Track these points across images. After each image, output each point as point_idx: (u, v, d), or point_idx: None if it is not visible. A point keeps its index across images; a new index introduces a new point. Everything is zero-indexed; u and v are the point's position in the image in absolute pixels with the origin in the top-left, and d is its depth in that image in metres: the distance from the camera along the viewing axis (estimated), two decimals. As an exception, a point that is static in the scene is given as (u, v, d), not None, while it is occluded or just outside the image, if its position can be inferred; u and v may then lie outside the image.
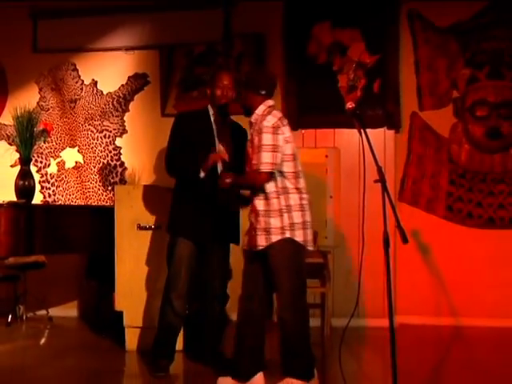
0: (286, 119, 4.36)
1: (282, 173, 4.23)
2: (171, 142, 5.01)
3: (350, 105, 4.24)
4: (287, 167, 4.24)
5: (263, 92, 4.36)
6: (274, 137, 4.16)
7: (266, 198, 4.22)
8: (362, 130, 4.07)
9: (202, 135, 4.82)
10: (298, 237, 4.23)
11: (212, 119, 4.89)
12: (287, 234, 4.19)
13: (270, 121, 4.19)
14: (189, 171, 4.81)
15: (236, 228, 5.05)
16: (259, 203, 4.23)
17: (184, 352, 5.49)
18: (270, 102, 4.39)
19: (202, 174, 4.67)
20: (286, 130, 4.25)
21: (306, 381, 4.21)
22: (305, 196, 4.33)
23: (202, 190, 4.74)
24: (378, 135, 6.69)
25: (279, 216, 4.19)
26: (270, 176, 4.17)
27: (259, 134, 4.16)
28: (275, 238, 4.18)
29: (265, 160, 4.14)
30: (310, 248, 4.40)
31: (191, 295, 5.03)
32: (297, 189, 4.27)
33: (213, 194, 4.69)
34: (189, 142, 4.78)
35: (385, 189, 3.92)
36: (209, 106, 4.95)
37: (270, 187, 4.21)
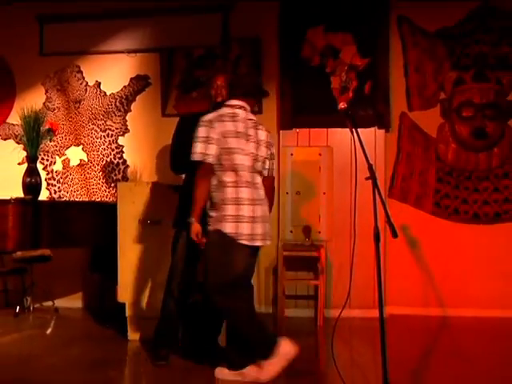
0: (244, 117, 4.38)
1: (221, 165, 4.23)
2: (175, 144, 5.09)
3: (342, 105, 4.23)
4: (226, 160, 4.23)
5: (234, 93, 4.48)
6: (207, 129, 4.20)
7: (211, 191, 4.25)
8: (353, 130, 4.07)
9: None
10: (229, 229, 4.19)
11: None
12: (217, 226, 4.20)
13: (208, 116, 4.26)
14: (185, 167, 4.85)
15: None
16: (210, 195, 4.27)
17: (183, 341, 5.51)
18: (233, 102, 4.43)
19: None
20: (229, 125, 4.27)
21: (236, 370, 4.26)
22: (245, 190, 4.27)
23: None
24: (369, 134, 6.70)
25: (215, 208, 4.23)
26: (206, 166, 4.19)
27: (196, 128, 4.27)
28: (210, 227, 4.24)
29: (197, 150, 4.18)
30: (247, 242, 4.24)
31: (193, 287, 5.01)
32: (235, 182, 4.25)
33: None
34: (190, 143, 4.69)
35: (375, 186, 3.92)
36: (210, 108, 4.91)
37: (213, 180, 4.24)
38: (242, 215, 4.22)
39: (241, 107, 4.41)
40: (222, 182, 4.24)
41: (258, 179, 4.43)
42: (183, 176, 5.15)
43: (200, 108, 7.05)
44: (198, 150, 4.19)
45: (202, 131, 4.22)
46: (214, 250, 4.26)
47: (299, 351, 4.18)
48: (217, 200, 4.23)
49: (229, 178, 4.24)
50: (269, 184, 4.60)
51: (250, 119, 4.43)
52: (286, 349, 4.19)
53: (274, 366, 4.15)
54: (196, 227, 4.23)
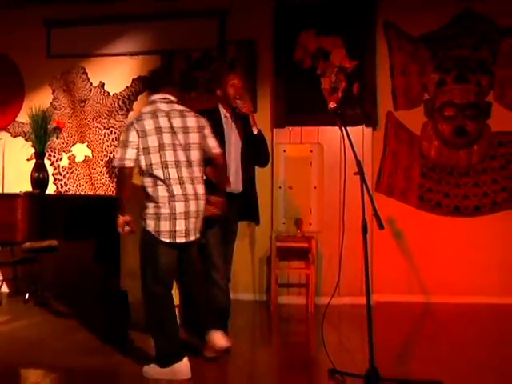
0: (163, 111, 4.16)
1: (145, 165, 4.05)
2: None
3: (332, 105, 4.23)
4: (148, 159, 4.04)
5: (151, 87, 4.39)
6: (125, 133, 4.05)
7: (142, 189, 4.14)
8: (342, 128, 4.07)
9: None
10: (150, 227, 4.06)
11: (222, 117, 4.81)
12: (143, 224, 4.11)
13: (130, 118, 4.12)
14: None
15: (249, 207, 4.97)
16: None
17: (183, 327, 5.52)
18: (155, 97, 4.24)
19: None
20: (150, 123, 4.05)
21: (160, 366, 4.05)
22: (167, 187, 4.05)
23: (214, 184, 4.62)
24: (357, 132, 6.69)
25: (144, 206, 4.11)
26: (125, 171, 4.05)
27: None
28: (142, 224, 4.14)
29: (116, 156, 4.07)
30: (166, 239, 4.07)
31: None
32: (157, 180, 4.04)
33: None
34: None
35: (363, 180, 3.93)
36: (219, 106, 4.88)
37: (143, 180, 4.12)
38: (161, 212, 4.02)
39: (163, 100, 4.21)
40: (146, 181, 4.08)
41: (191, 172, 4.16)
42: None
43: (198, 107, 7.11)
44: (118, 155, 4.04)
45: (123, 135, 4.08)
46: (142, 248, 4.19)
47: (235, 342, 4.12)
48: (145, 198, 4.10)
49: (151, 176, 4.05)
50: (218, 161, 4.40)
51: (175, 109, 4.19)
52: (219, 342, 4.13)
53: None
54: (120, 219, 4.12)
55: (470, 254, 6.73)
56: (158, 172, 4.03)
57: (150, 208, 4.06)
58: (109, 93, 7.44)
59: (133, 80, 7.37)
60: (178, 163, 4.09)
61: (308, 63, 7.00)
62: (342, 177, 4.13)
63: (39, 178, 6.13)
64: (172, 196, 4.02)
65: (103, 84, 7.46)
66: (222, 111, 4.85)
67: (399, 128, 6.94)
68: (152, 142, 4.03)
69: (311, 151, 6.71)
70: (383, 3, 6.88)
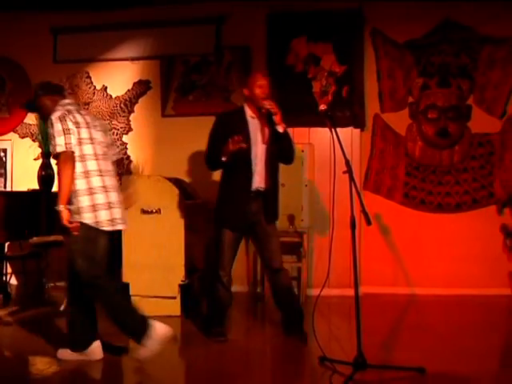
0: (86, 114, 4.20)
1: (81, 156, 3.96)
2: (209, 140, 4.85)
3: (322, 107, 4.26)
4: (79, 151, 3.97)
5: (53, 93, 4.24)
6: (62, 123, 3.91)
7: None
8: (332, 129, 4.10)
9: (236, 132, 4.55)
10: (88, 219, 3.94)
11: (248, 117, 4.71)
12: (76, 218, 3.92)
13: (56, 113, 3.97)
14: (214, 155, 4.69)
15: (271, 208, 4.82)
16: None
17: (181, 317, 5.54)
18: (64, 101, 4.16)
19: (224, 158, 4.56)
20: (79, 117, 4.02)
21: (72, 351, 4.11)
22: (98, 178, 4.01)
23: (238, 184, 4.67)
24: (346, 133, 6.70)
25: (72, 201, 3.93)
26: (68, 154, 3.88)
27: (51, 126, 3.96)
28: (74, 219, 3.94)
29: (57, 142, 3.88)
30: (107, 228, 4.03)
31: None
32: (86, 172, 3.97)
33: (246, 183, 4.62)
34: (225, 138, 4.55)
35: (352, 179, 3.96)
36: (245, 106, 4.78)
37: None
38: (98, 203, 3.96)
39: (72, 103, 4.20)
40: (75, 174, 3.93)
41: (111, 166, 4.21)
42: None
43: (196, 109, 7.13)
44: (60, 142, 3.88)
45: (58, 126, 3.91)
46: (78, 243, 3.97)
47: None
48: (72, 192, 3.93)
49: (81, 168, 3.95)
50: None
51: (84, 112, 4.21)
52: (161, 331, 4.04)
53: (149, 347, 3.95)
54: (65, 214, 3.88)
55: (451, 248, 6.76)
56: (86, 164, 3.99)
57: (85, 201, 3.94)
58: (111, 95, 7.43)
59: (134, 83, 7.37)
60: (102, 156, 4.11)
61: (300, 68, 7.01)
62: (331, 175, 4.12)
63: (45, 177, 6.15)
64: (105, 187, 4.03)
65: (106, 87, 7.45)
66: (248, 111, 4.74)
67: (386, 129, 6.96)
68: (84, 134, 4.01)
69: (303, 151, 6.70)
70: (370, 12, 6.89)
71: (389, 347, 4.73)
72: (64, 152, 3.88)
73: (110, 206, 4.04)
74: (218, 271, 4.73)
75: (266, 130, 4.71)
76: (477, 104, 6.83)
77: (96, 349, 4.17)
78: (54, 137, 3.91)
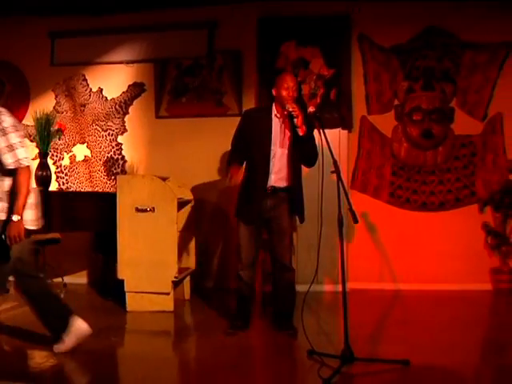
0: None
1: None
2: (233, 138, 4.92)
3: (311, 109, 4.28)
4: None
5: None
6: (19, 133, 3.90)
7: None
8: (321, 130, 4.10)
9: (261, 131, 4.66)
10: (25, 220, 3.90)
11: (273, 116, 4.70)
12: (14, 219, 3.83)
13: (9, 120, 3.88)
14: (233, 157, 4.84)
15: (294, 204, 4.87)
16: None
17: (174, 312, 5.54)
18: None
19: (229, 183, 4.75)
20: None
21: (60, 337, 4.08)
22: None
23: (255, 180, 4.69)
24: (334, 134, 6.70)
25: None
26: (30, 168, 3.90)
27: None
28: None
29: (24, 155, 3.88)
30: (35, 228, 4.05)
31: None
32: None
33: (262, 180, 4.64)
34: (249, 137, 4.70)
35: (339, 178, 3.97)
36: (273, 105, 4.76)
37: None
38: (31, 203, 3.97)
39: None
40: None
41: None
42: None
43: (189, 112, 7.13)
44: (26, 154, 3.87)
45: (17, 135, 3.87)
46: (21, 246, 3.94)
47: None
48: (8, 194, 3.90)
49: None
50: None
51: None
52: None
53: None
54: (22, 226, 3.86)
55: (435, 246, 6.78)
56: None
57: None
58: (107, 97, 7.42)
59: (129, 86, 7.36)
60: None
61: (289, 71, 7.01)
62: (320, 175, 4.14)
63: (43, 176, 6.12)
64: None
65: (102, 89, 7.43)
66: (274, 111, 4.73)
67: (372, 131, 6.98)
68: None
69: (292, 152, 6.71)
70: (358, 17, 6.91)
71: (375, 341, 4.74)
72: (28, 166, 3.92)
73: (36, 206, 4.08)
74: (238, 265, 4.82)
75: (287, 132, 4.68)
76: (459, 107, 6.86)
77: (78, 323, 4.11)
78: (19, 146, 3.85)
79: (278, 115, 4.70)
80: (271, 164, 4.64)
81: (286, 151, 4.68)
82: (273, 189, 4.69)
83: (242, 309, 4.92)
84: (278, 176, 4.69)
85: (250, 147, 4.70)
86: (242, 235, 4.78)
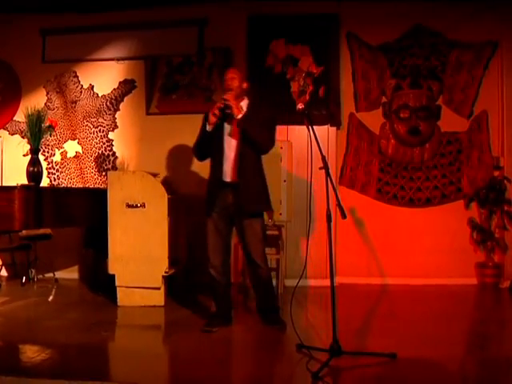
0: None
1: None
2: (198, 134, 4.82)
3: (300, 106, 4.26)
4: None
5: None
6: None
7: None
8: (309, 127, 4.11)
9: (216, 123, 4.57)
10: None
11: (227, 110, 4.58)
12: None
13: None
14: (199, 135, 4.72)
15: (243, 201, 4.57)
16: None
17: (165, 307, 5.54)
18: None
19: (208, 127, 4.55)
20: None
21: None
22: None
23: (213, 173, 4.64)
24: (323, 131, 6.73)
25: None
26: None
27: None
28: None
29: None
30: None
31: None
32: None
33: (219, 173, 4.56)
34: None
35: (328, 175, 3.98)
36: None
37: None
38: None
39: None
40: None
41: None
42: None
43: (180, 108, 7.12)
44: None
45: None
46: None
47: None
48: None
49: None
50: None
51: None
52: None
53: None
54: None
55: (422, 241, 6.82)
56: None
57: None
58: (98, 94, 7.39)
59: (119, 83, 7.34)
60: None
61: (278, 69, 7.02)
62: (309, 171, 4.14)
63: (34, 172, 6.08)
64: None
65: (93, 86, 7.41)
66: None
67: (360, 127, 7.00)
68: None
69: (281, 148, 6.70)
70: (346, 16, 6.93)
71: (363, 334, 4.76)
72: None
73: None
74: (208, 259, 4.70)
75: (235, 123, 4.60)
76: (446, 104, 6.90)
77: None
78: None
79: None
80: (224, 156, 4.59)
81: (236, 142, 4.58)
82: (231, 182, 4.58)
83: (219, 306, 4.80)
84: (227, 169, 4.59)
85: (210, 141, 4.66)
86: (208, 229, 4.69)
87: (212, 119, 4.54)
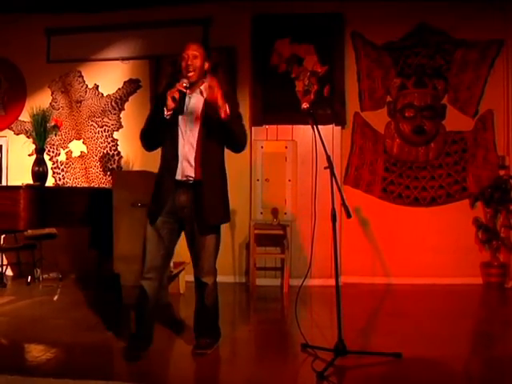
0: None
1: None
2: (146, 118, 4.06)
3: (304, 105, 4.25)
4: None
5: None
6: None
7: None
8: (314, 126, 4.09)
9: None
10: None
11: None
12: None
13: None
14: (154, 117, 3.89)
15: (205, 205, 3.84)
16: None
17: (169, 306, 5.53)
18: None
19: (166, 114, 3.72)
20: None
21: None
22: None
23: (164, 168, 3.88)
24: (328, 130, 6.73)
25: None
26: None
27: None
28: None
29: None
30: None
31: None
32: None
33: (172, 168, 3.81)
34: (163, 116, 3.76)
35: (333, 174, 3.97)
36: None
37: None
38: None
39: None
40: None
41: None
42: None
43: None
44: None
45: None
46: None
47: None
48: None
49: None
50: None
51: None
52: None
53: None
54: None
55: (427, 240, 6.81)
56: None
57: None
58: (102, 94, 7.40)
59: (124, 82, 7.35)
60: None
61: (283, 68, 7.01)
62: (313, 170, 4.13)
63: (39, 172, 6.12)
64: None
65: (97, 86, 7.42)
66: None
67: (365, 127, 6.99)
68: None
69: (286, 147, 6.72)
70: (351, 15, 6.92)
71: (368, 334, 4.75)
72: None
73: None
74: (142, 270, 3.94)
75: (198, 110, 3.87)
76: (451, 103, 6.88)
77: None
78: None
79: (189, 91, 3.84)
80: (180, 148, 3.83)
81: (198, 132, 3.82)
82: (187, 181, 3.85)
83: (141, 325, 4.00)
84: (189, 163, 3.83)
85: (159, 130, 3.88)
86: (148, 239, 3.91)
87: (171, 104, 3.70)
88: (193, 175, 3.82)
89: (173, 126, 3.81)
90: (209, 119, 3.79)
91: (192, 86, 3.85)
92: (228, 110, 3.72)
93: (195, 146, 3.82)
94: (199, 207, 3.83)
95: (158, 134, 3.87)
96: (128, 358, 3.87)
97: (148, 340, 4.01)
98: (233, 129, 3.82)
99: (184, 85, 3.74)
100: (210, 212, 3.85)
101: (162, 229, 3.88)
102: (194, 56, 3.91)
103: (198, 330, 4.16)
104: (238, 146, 3.95)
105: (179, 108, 3.75)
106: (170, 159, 3.83)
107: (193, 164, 3.81)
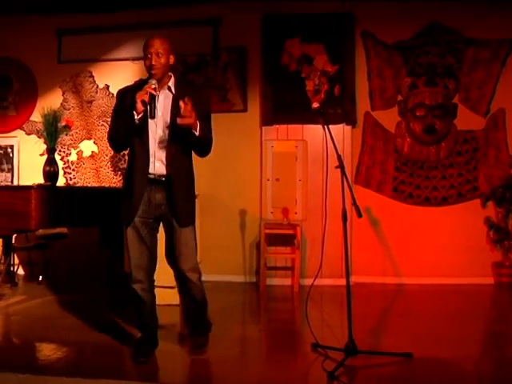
0: None
1: None
2: (111, 119, 4.00)
3: (315, 105, 4.25)
4: None
5: None
6: None
7: None
8: (325, 126, 4.09)
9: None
10: None
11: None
12: None
13: None
14: (123, 122, 3.71)
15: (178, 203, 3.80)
16: None
17: (181, 305, 5.53)
18: None
19: (137, 118, 3.59)
20: None
21: None
22: None
23: (136, 165, 3.76)
24: (338, 130, 6.71)
25: None
26: None
27: None
28: None
29: None
30: None
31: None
32: None
33: (143, 164, 3.72)
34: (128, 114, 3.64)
35: (343, 173, 3.96)
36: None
37: None
38: None
39: None
40: None
41: None
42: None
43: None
44: None
45: None
46: None
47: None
48: None
49: None
50: None
51: None
52: None
53: None
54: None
55: (438, 240, 6.78)
56: None
57: None
58: (113, 94, 7.41)
59: (135, 82, 7.34)
60: None
61: (293, 67, 7.01)
62: (324, 170, 4.14)
63: (50, 172, 6.14)
64: None
65: (108, 86, 7.44)
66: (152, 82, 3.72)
67: (376, 126, 6.97)
68: None
69: (296, 147, 6.72)
70: (361, 15, 6.90)
71: (378, 334, 4.75)
72: None
73: None
74: (130, 274, 3.90)
75: (165, 107, 3.79)
76: (462, 102, 6.85)
77: None
78: None
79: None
80: (151, 145, 3.73)
81: (167, 132, 3.73)
82: (159, 177, 3.77)
83: (144, 330, 4.03)
84: (159, 161, 3.76)
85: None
86: (130, 242, 3.83)
87: (140, 107, 3.58)
88: (165, 173, 3.77)
89: (143, 125, 3.72)
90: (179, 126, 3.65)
91: (159, 84, 3.76)
92: (200, 130, 3.67)
93: (166, 144, 3.75)
94: (174, 204, 3.79)
95: (129, 137, 3.76)
96: (136, 363, 3.86)
97: (153, 344, 4.02)
98: (202, 142, 3.81)
99: (153, 86, 3.66)
100: (183, 209, 3.83)
101: (143, 229, 3.83)
102: (157, 54, 3.80)
103: (191, 327, 4.19)
104: (203, 154, 3.94)
105: (150, 112, 3.66)
106: (142, 158, 3.74)
107: (164, 162, 3.76)
